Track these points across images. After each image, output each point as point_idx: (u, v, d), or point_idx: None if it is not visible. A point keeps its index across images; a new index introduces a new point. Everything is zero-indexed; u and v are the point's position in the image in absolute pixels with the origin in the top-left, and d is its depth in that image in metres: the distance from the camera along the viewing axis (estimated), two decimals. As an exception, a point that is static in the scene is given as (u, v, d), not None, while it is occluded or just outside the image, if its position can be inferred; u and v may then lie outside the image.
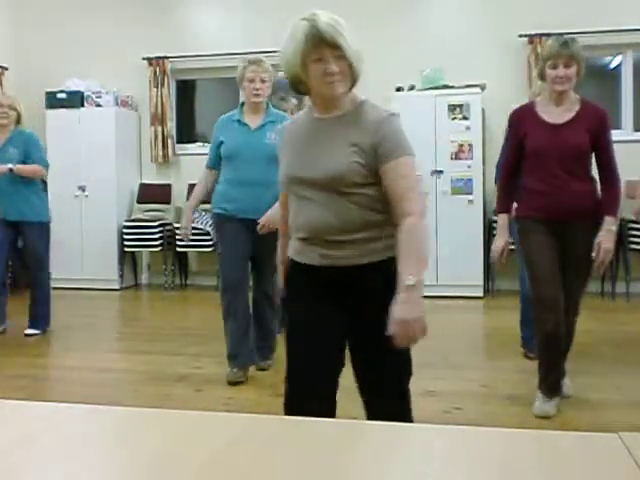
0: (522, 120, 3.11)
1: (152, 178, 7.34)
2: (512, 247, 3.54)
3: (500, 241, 3.22)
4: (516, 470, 0.90)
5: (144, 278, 7.43)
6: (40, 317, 4.97)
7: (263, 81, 3.61)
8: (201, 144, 7.18)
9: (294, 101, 4.46)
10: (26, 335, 4.89)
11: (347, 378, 1.97)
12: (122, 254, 7.01)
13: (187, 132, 7.53)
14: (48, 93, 7.00)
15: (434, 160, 6.09)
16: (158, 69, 7.16)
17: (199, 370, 3.98)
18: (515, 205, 3.24)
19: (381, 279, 1.83)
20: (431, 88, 6.14)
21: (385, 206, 1.86)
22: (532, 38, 6.28)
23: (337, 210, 1.86)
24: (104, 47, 7.28)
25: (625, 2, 6.19)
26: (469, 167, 6.03)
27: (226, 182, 3.68)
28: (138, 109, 7.34)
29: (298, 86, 1.88)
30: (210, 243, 6.34)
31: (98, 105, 6.98)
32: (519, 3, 6.39)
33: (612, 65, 6.68)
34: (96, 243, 6.94)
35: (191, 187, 6.45)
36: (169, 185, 7.20)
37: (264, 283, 3.78)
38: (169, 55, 7.15)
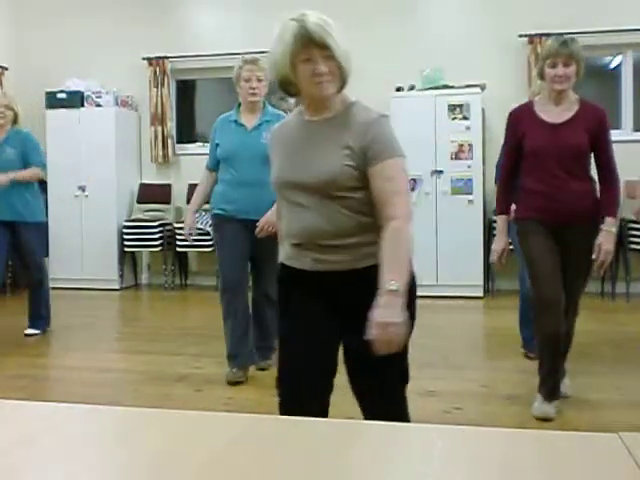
0: (520, 120, 3.11)
1: (152, 178, 7.34)
2: (512, 247, 3.54)
3: (500, 242, 3.21)
4: (516, 470, 0.90)
5: (144, 278, 7.43)
6: (40, 317, 4.96)
7: (259, 80, 3.60)
8: (201, 144, 7.18)
9: (293, 101, 4.46)
10: (26, 335, 4.89)
11: (343, 378, 1.97)
12: (122, 254, 7.01)
13: (187, 132, 7.54)
14: (48, 93, 7.00)
15: (434, 160, 6.09)
16: (158, 69, 7.16)
17: (199, 370, 3.98)
18: (514, 207, 3.24)
19: (374, 284, 1.78)
20: (431, 88, 6.15)
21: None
22: (532, 38, 6.29)
23: (329, 215, 1.84)
24: (104, 47, 7.29)
25: (625, 2, 6.19)
26: (469, 167, 6.03)
27: (225, 183, 3.67)
28: (138, 109, 7.35)
29: (287, 87, 1.87)
30: (210, 243, 6.34)
31: (98, 105, 6.98)
32: (519, 3, 6.39)
33: (612, 65, 6.68)
34: (96, 243, 6.94)
35: (191, 187, 6.48)
36: (169, 185, 7.20)
37: (264, 283, 3.78)
38: (169, 55, 7.15)
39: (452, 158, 6.06)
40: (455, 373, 3.87)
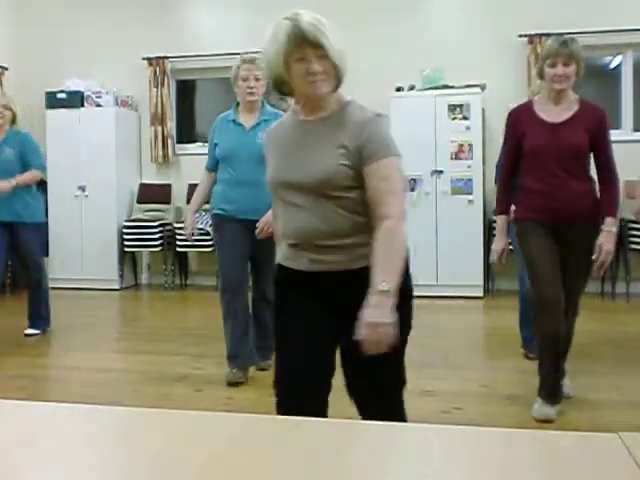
0: (519, 120, 3.11)
1: (152, 178, 7.34)
2: (511, 248, 3.54)
3: (500, 243, 3.21)
4: (516, 470, 0.90)
5: (144, 278, 7.43)
6: (39, 317, 4.96)
7: (257, 79, 3.58)
8: (201, 144, 7.18)
9: (293, 100, 4.45)
10: (26, 335, 4.89)
11: (342, 379, 1.97)
12: (122, 254, 7.01)
13: (187, 132, 7.54)
14: (48, 93, 7.00)
15: (434, 160, 6.09)
16: (158, 69, 7.16)
17: (199, 370, 3.98)
18: (513, 207, 3.23)
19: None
20: (431, 88, 6.15)
21: None
22: (532, 38, 6.29)
23: (325, 215, 1.83)
24: (104, 47, 7.29)
25: (625, 2, 6.19)
26: (469, 167, 6.03)
27: (224, 183, 3.67)
28: (138, 109, 7.35)
29: (281, 87, 1.86)
30: (210, 243, 6.35)
31: (98, 105, 6.98)
32: (519, 3, 6.39)
33: (612, 65, 6.68)
34: (96, 243, 6.94)
35: (191, 187, 6.48)
36: (169, 185, 7.20)
37: (263, 284, 3.78)
38: (169, 55, 7.15)
39: (452, 158, 6.06)
40: (455, 373, 3.87)
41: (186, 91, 7.63)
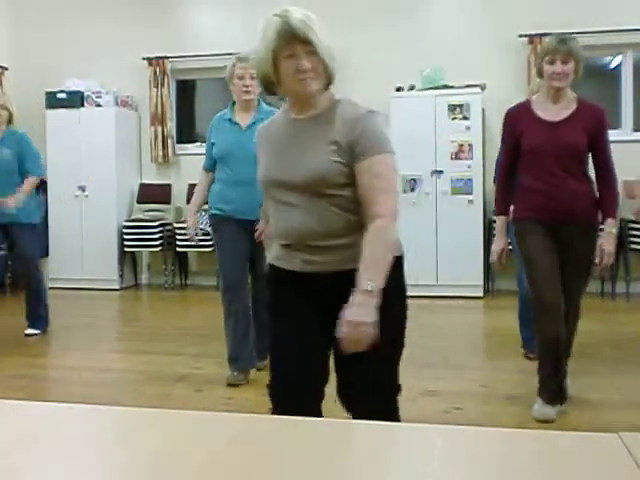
0: (518, 120, 3.10)
1: (152, 178, 7.34)
2: (510, 248, 3.53)
3: (499, 243, 3.21)
4: (516, 470, 0.90)
5: (144, 278, 7.43)
6: (38, 317, 4.96)
7: (253, 78, 3.52)
8: (201, 144, 7.17)
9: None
10: (26, 335, 4.89)
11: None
12: (122, 254, 7.01)
13: (187, 132, 7.54)
14: (48, 93, 7.00)
15: (434, 160, 6.09)
16: (158, 69, 7.16)
17: (199, 370, 3.98)
18: (512, 207, 3.23)
19: None
20: (431, 88, 6.15)
21: None
22: (532, 38, 6.28)
23: (318, 214, 1.81)
24: (104, 47, 7.29)
25: (625, 2, 6.19)
26: (469, 167, 6.03)
27: (221, 182, 3.66)
28: (138, 109, 7.35)
29: (270, 86, 1.84)
30: (210, 243, 6.34)
31: (98, 105, 6.98)
32: (519, 3, 6.39)
33: (612, 65, 6.68)
34: (96, 243, 6.94)
35: (191, 187, 6.47)
36: (169, 185, 7.20)
37: (262, 284, 3.77)
38: (169, 55, 7.15)
39: (452, 158, 6.06)
40: (455, 373, 3.87)
41: (186, 91, 7.63)
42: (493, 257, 3.23)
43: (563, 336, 3.02)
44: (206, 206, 3.96)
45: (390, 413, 1.90)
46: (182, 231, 6.42)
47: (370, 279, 1.70)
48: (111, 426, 1.12)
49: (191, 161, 7.04)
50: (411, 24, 6.64)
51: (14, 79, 7.32)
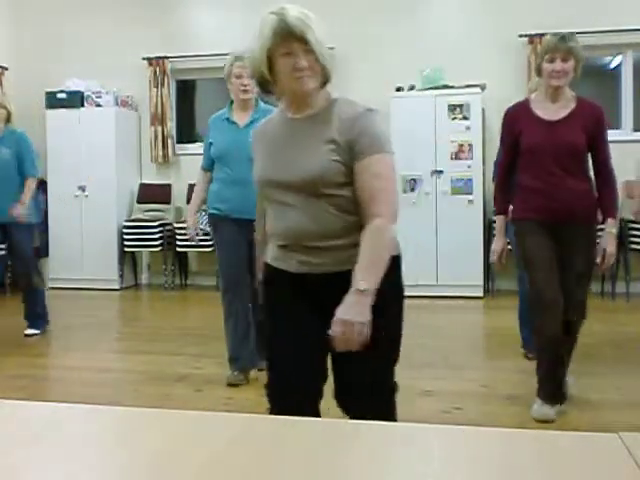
0: (516, 119, 3.10)
1: (152, 178, 7.34)
2: (510, 248, 3.53)
3: (499, 243, 3.21)
4: (516, 470, 0.90)
5: (144, 278, 7.43)
6: (37, 317, 4.96)
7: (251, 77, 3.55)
8: (201, 144, 7.16)
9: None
10: (26, 335, 4.89)
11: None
12: (122, 254, 7.01)
13: (187, 132, 7.54)
14: (48, 93, 7.00)
15: (434, 160, 6.09)
16: (158, 69, 7.16)
17: (199, 370, 3.98)
18: (511, 207, 3.23)
19: None
20: (431, 88, 6.15)
21: None
22: (532, 38, 6.29)
23: (315, 214, 1.79)
24: (104, 47, 7.29)
25: (625, 2, 6.19)
26: (469, 167, 6.03)
27: (219, 182, 3.65)
28: (138, 109, 7.35)
29: (265, 84, 1.81)
30: (210, 243, 6.34)
31: (98, 105, 6.98)
32: (519, 3, 6.39)
33: (612, 65, 6.68)
34: (96, 243, 6.94)
35: (191, 187, 6.46)
36: (169, 185, 7.20)
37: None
38: (169, 55, 7.15)
39: (452, 158, 6.06)
40: (455, 373, 3.87)
41: (186, 91, 7.63)
42: (493, 257, 3.23)
43: (562, 333, 3.02)
44: (205, 206, 3.96)
45: (387, 413, 1.90)
46: (182, 231, 6.42)
47: (365, 279, 1.69)
48: (111, 426, 1.12)
49: (191, 161, 7.03)
50: (411, 24, 6.64)
51: (14, 79, 7.32)
